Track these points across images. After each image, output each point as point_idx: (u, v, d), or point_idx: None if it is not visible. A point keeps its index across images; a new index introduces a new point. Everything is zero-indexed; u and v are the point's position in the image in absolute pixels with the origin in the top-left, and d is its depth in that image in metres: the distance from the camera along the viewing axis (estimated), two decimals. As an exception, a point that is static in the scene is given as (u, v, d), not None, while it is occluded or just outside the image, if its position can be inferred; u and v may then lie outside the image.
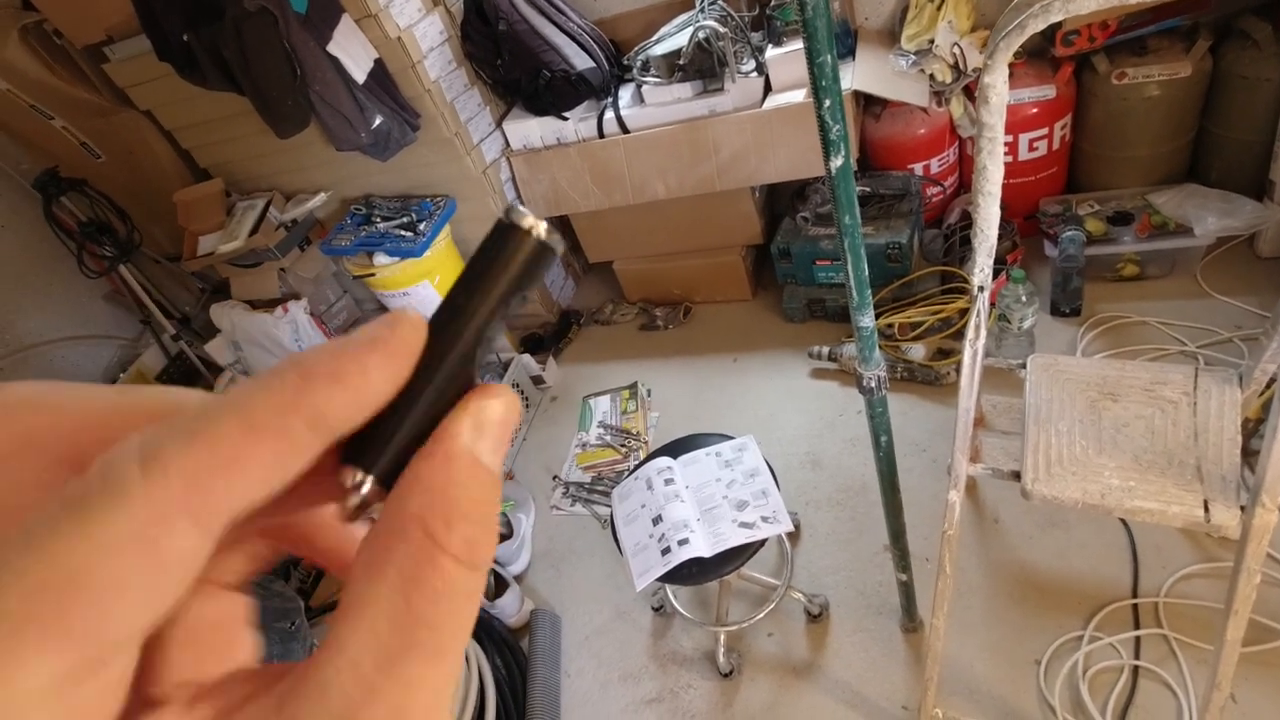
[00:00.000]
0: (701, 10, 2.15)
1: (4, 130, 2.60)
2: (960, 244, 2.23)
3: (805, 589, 1.74)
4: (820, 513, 1.92)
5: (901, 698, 1.53)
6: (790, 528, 1.47)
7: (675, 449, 1.67)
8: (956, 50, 2.08)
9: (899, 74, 2.16)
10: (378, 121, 2.13)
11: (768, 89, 2.18)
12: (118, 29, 2.22)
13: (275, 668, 0.19)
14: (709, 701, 1.65)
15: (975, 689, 1.49)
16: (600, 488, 2.18)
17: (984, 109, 0.72)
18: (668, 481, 1.57)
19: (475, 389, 0.19)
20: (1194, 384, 1.14)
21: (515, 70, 2.28)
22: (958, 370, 2.08)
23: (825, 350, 2.26)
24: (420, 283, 2.43)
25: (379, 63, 2.10)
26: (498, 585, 1.87)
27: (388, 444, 0.18)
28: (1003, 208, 0.91)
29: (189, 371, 3.04)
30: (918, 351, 2.11)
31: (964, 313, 2.12)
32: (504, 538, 2.01)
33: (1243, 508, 0.99)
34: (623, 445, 2.28)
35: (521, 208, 0.20)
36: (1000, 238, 1.14)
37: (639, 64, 2.25)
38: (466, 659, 1.58)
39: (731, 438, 1.65)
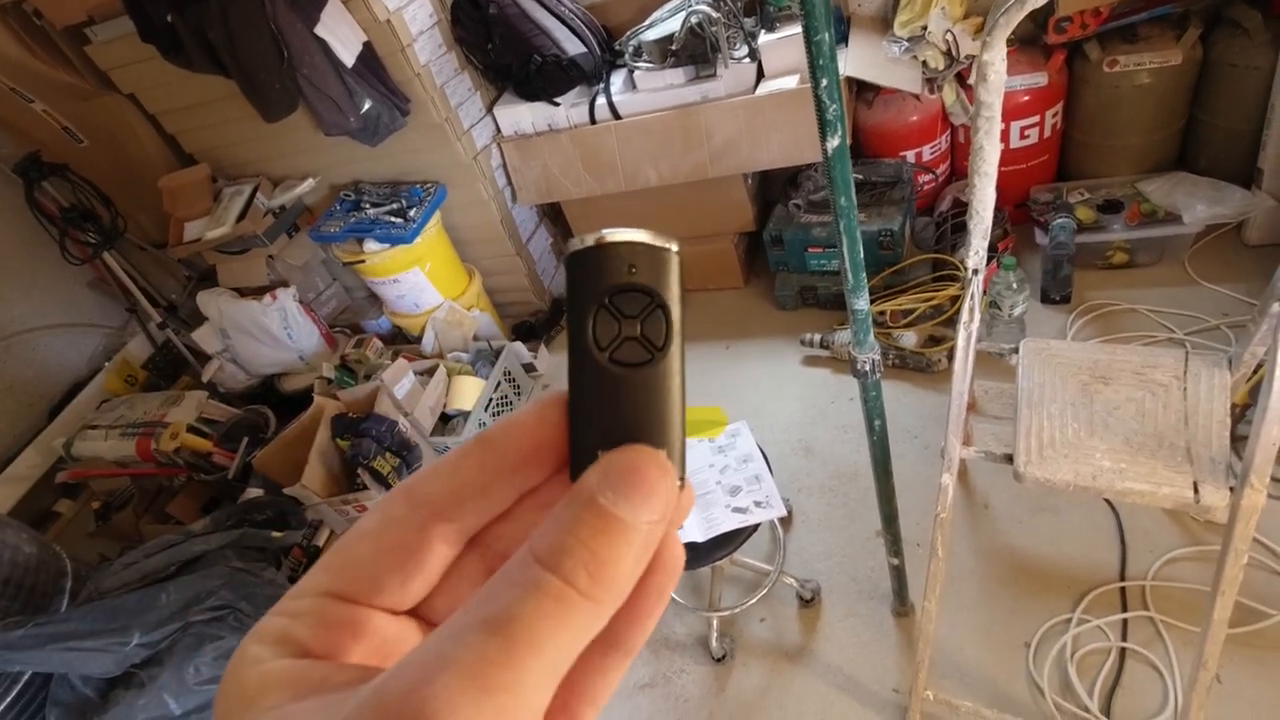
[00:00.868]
0: (694, -5, 2.14)
1: (-17, 114, 2.55)
2: (952, 231, 2.23)
3: (797, 574, 1.75)
4: (812, 499, 1.92)
5: (893, 680, 1.54)
6: (783, 512, 1.47)
7: (668, 435, 1.67)
8: (949, 37, 2.08)
9: (892, 60, 2.15)
10: (367, 106, 2.11)
11: (760, 75, 2.16)
12: (99, 9, 2.18)
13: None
14: (702, 686, 1.65)
15: (965, 671, 1.51)
16: (592, 475, 2.17)
17: (982, 87, 0.72)
18: (661, 467, 1.57)
19: (625, 445, 0.21)
20: (1184, 368, 1.15)
21: (506, 55, 2.26)
22: (949, 357, 2.09)
23: (817, 338, 2.26)
24: (410, 269, 2.41)
25: (368, 46, 2.07)
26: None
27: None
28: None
29: (176, 360, 3.00)
30: (909, 339, 2.12)
31: (955, 300, 2.13)
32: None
33: (1231, 489, 1.00)
34: (615, 433, 2.27)
35: (575, 238, 0.22)
36: (991, 225, 1.14)
37: (631, 49, 2.24)
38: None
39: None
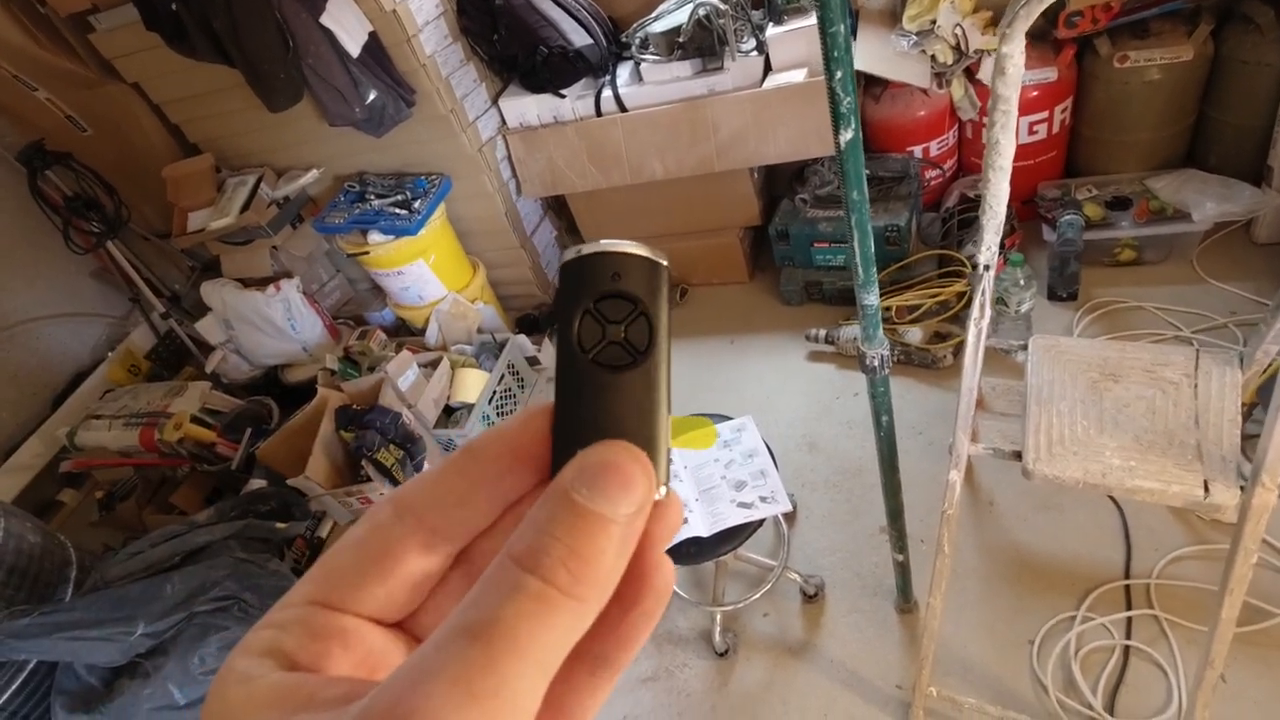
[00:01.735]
0: (702, -13, 2.12)
1: (-13, 102, 2.54)
2: (959, 227, 2.22)
3: (801, 570, 1.74)
4: (817, 495, 1.92)
5: (896, 677, 1.54)
6: (789, 508, 1.47)
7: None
8: (958, 31, 2.06)
9: (900, 54, 2.14)
10: (372, 96, 2.10)
11: (768, 68, 2.15)
12: (104, -3, 2.17)
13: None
14: (705, 680, 1.65)
15: (969, 668, 1.50)
16: (596, 469, 2.17)
17: (999, 80, 0.71)
18: (666, 462, 1.57)
19: (600, 441, 0.21)
20: (1195, 366, 1.14)
21: (512, 46, 2.24)
22: (955, 353, 2.09)
23: (823, 333, 2.25)
24: (415, 261, 2.40)
25: (373, 36, 2.06)
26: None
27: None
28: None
29: (179, 350, 3.00)
30: (915, 335, 2.11)
31: (961, 296, 2.12)
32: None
33: (1242, 488, 0.99)
34: (619, 427, 2.27)
35: (569, 249, 0.23)
36: (1005, 217, 1.13)
37: (638, 41, 2.22)
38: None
39: (730, 418, 1.65)
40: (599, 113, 2.31)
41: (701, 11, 2.07)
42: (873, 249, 0.97)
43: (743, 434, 1.60)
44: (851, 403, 2.11)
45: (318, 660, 0.20)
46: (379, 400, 2.14)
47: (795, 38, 2.07)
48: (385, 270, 2.43)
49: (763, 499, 1.46)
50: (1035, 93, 2.13)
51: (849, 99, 0.82)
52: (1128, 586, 1.54)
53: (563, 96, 2.31)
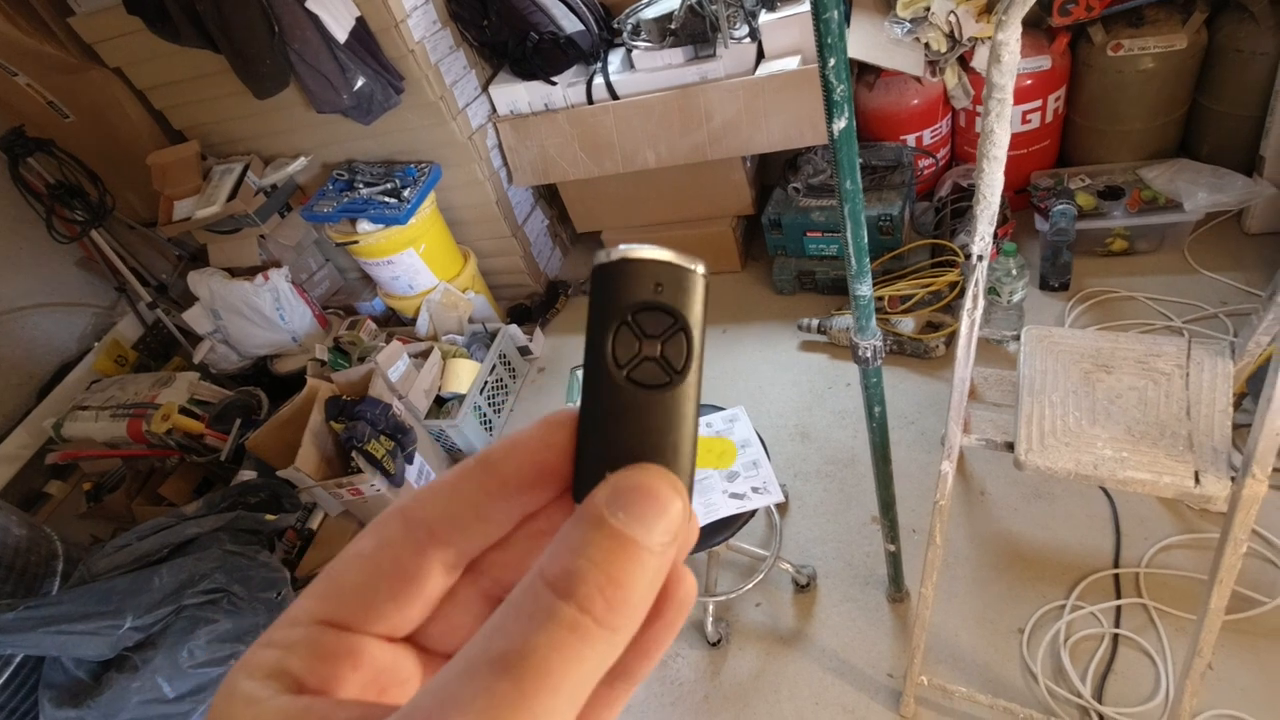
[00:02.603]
0: (695, -28, 2.09)
1: (-34, 87, 2.49)
2: (952, 217, 2.22)
3: (793, 560, 1.75)
4: (809, 485, 1.92)
5: (887, 665, 1.55)
6: (781, 498, 1.46)
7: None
8: (952, 18, 2.05)
9: (894, 42, 2.12)
10: (360, 83, 2.07)
11: (760, 55, 2.13)
12: (84, -20, 2.13)
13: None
14: (697, 670, 1.66)
15: (959, 657, 1.51)
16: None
17: (995, 68, 0.70)
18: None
19: (634, 464, 0.20)
20: (1187, 356, 1.14)
21: (502, 32, 2.21)
22: (947, 343, 2.09)
23: (815, 323, 2.25)
24: (405, 251, 2.38)
25: (361, 21, 2.02)
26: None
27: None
28: (1006, 174, 0.89)
29: (166, 340, 2.97)
30: (907, 325, 2.11)
31: (953, 286, 2.12)
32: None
33: (1233, 478, 0.99)
34: (611, 417, 2.26)
35: (602, 250, 0.21)
36: (999, 207, 1.12)
37: (629, 28, 2.20)
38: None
39: (722, 409, 1.64)
40: (590, 100, 2.29)
41: (694, -3, 2.05)
42: (866, 239, 0.97)
43: (735, 424, 1.60)
44: (844, 392, 2.11)
45: (326, 683, 0.19)
46: (369, 391, 2.12)
47: (788, 24, 2.05)
48: (375, 260, 2.40)
49: (755, 489, 1.46)
50: (1029, 81, 2.12)
51: (842, 87, 0.81)
52: (1117, 575, 1.55)
53: (554, 84, 2.29)
